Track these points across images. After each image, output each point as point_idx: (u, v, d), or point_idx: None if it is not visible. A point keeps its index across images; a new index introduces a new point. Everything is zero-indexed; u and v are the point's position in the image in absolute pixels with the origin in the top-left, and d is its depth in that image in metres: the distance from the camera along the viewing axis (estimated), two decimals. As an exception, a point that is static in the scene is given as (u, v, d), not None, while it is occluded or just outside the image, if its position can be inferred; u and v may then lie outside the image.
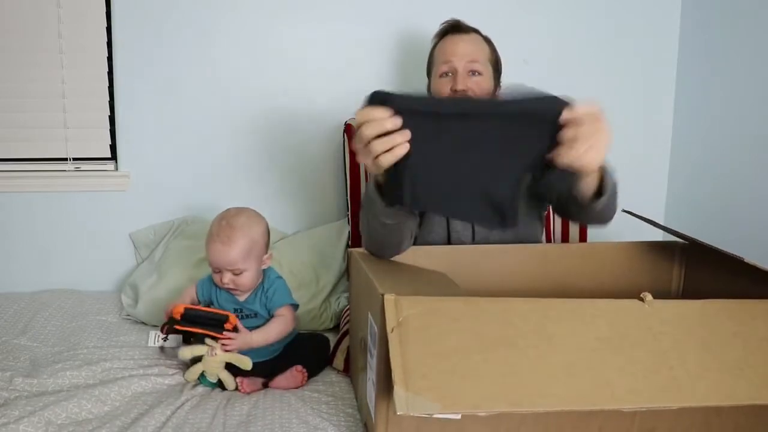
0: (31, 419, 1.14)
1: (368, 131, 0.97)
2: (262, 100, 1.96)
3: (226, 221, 1.39)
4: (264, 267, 1.44)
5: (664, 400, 0.92)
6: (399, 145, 0.97)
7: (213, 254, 1.38)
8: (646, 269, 1.42)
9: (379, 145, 0.97)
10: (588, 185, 1.13)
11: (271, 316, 1.42)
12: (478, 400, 0.87)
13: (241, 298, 1.43)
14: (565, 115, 0.97)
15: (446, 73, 1.45)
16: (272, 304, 1.41)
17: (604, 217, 1.26)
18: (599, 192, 1.14)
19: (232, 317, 1.35)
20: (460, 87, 1.42)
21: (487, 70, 1.47)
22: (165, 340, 1.40)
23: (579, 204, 1.18)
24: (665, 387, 0.92)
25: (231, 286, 1.39)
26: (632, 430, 1.04)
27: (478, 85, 1.43)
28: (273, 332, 1.39)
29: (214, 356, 1.30)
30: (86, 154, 1.94)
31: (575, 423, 1.03)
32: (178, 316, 1.32)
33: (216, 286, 1.44)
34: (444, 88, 1.44)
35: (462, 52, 1.44)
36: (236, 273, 1.38)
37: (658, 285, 1.42)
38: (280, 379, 1.35)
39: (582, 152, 0.97)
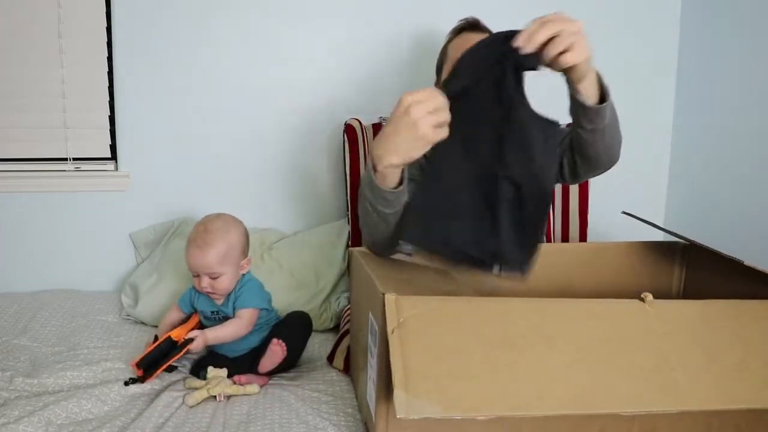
0: (31, 419, 1.14)
1: (426, 105, 1.01)
2: (262, 100, 1.97)
3: (204, 226, 1.42)
4: (243, 272, 1.45)
5: (664, 404, 0.92)
6: (446, 124, 1.03)
7: (190, 258, 1.40)
8: (647, 269, 1.42)
9: (433, 118, 1.02)
10: (587, 92, 1.14)
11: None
12: (478, 403, 0.87)
13: (219, 302, 1.45)
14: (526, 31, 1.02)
15: None
16: (238, 304, 1.42)
17: (611, 140, 1.23)
18: (602, 99, 1.14)
19: (175, 331, 1.39)
20: None
21: None
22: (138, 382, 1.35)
23: (585, 123, 1.17)
24: (665, 390, 0.92)
25: (209, 290, 1.41)
26: (633, 431, 1.05)
27: None
28: (226, 332, 1.39)
29: (222, 399, 1.28)
30: (86, 154, 1.93)
31: (576, 424, 1.03)
32: (139, 372, 1.32)
33: (195, 291, 1.46)
34: None
35: None
36: (213, 277, 1.40)
37: (659, 285, 1.42)
38: (264, 361, 1.34)
39: (559, 49, 1.01)
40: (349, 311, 1.57)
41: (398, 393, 0.85)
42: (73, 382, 1.32)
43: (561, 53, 1.01)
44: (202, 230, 1.41)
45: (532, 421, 1.02)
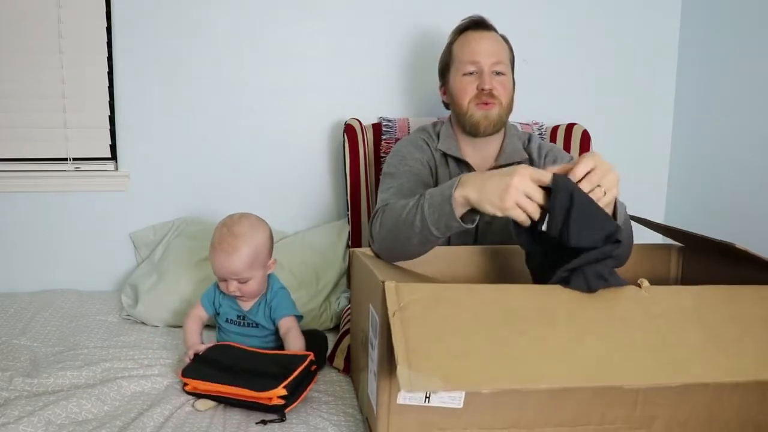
0: (31, 419, 1.13)
1: (530, 186, 1.05)
2: (262, 100, 1.97)
3: (228, 229, 1.37)
4: (269, 272, 1.44)
5: (665, 378, 0.93)
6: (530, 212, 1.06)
7: (217, 264, 1.37)
8: (645, 271, 1.43)
9: (522, 198, 1.05)
10: None
11: (275, 326, 1.43)
12: (481, 378, 0.88)
13: (245, 308, 1.43)
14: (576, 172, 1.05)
15: (470, 72, 1.46)
16: (276, 315, 1.41)
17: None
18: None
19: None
20: (487, 86, 1.43)
21: (509, 70, 1.49)
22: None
23: None
24: (666, 365, 0.93)
25: (237, 294, 1.39)
26: (633, 419, 1.05)
27: (502, 85, 1.46)
28: (300, 347, 1.37)
29: None
30: (86, 154, 1.94)
31: (577, 410, 1.03)
32: (281, 400, 1.20)
33: (220, 293, 1.44)
34: (470, 87, 1.45)
35: (487, 51, 1.46)
36: (242, 281, 1.37)
37: (656, 283, 1.43)
38: None
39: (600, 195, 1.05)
40: (349, 311, 1.58)
41: (401, 369, 0.85)
42: (73, 382, 1.32)
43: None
44: (227, 234, 1.36)
45: (533, 407, 1.02)
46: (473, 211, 1.13)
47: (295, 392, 1.21)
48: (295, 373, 1.21)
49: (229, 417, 1.20)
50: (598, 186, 1.04)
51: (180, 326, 1.68)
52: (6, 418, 1.14)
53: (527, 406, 1.02)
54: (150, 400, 1.26)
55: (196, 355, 1.33)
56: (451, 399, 0.99)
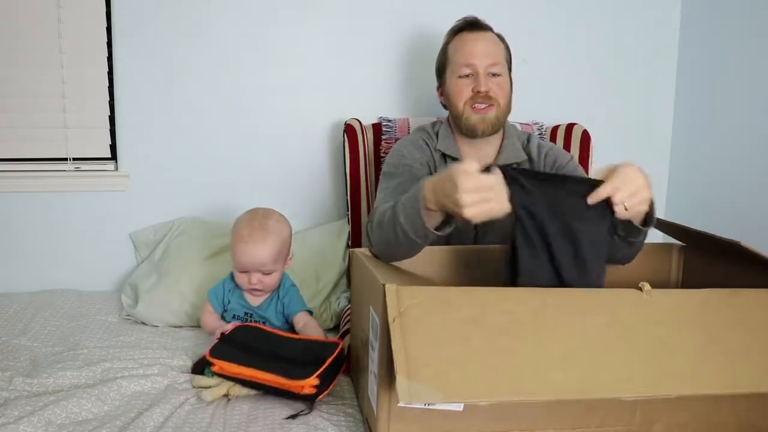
0: (31, 419, 1.13)
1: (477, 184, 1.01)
2: (262, 100, 1.97)
3: (258, 222, 1.41)
4: (286, 267, 1.48)
5: (664, 389, 0.92)
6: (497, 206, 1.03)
7: (245, 255, 1.39)
8: (645, 271, 1.43)
9: (475, 197, 1.01)
10: (635, 214, 1.12)
11: (287, 323, 1.45)
12: (480, 389, 0.87)
13: (254, 303, 1.44)
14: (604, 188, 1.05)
15: (466, 75, 1.46)
16: (289, 311, 1.44)
17: (632, 252, 1.25)
18: (645, 222, 1.13)
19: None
20: (483, 88, 1.43)
21: (505, 71, 1.49)
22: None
23: (623, 237, 1.18)
24: (665, 375, 0.93)
25: (258, 287, 1.42)
26: (633, 423, 1.05)
27: (499, 86, 1.45)
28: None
29: (231, 397, 1.27)
30: (86, 154, 1.94)
31: (576, 416, 1.03)
32: (313, 388, 1.20)
33: (228, 289, 1.46)
34: (465, 89, 1.45)
35: (482, 52, 1.45)
36: (266, 273, 1.41)
37: (656, 285, 1.43)
38: None
39: (627, 200, 1.04)
40: (349, 311, 1.58)
41: (400, 379, 0.85)
42: (73, 382, 1.32)
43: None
44: (257, 227, 1.40)
45: (533, 412, 1.02)
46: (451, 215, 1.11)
47: (325, 381, 1.22)
48: (327, 362, 1.22)
49: (229, 417, 1.20)
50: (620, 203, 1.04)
51: (180, 326, 1.70)
52: (6, 418, 1.14)
53: (527, 410, 1.02)
54: (150, 400, 1.25)
55: (222, 335, 1.33)
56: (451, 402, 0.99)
